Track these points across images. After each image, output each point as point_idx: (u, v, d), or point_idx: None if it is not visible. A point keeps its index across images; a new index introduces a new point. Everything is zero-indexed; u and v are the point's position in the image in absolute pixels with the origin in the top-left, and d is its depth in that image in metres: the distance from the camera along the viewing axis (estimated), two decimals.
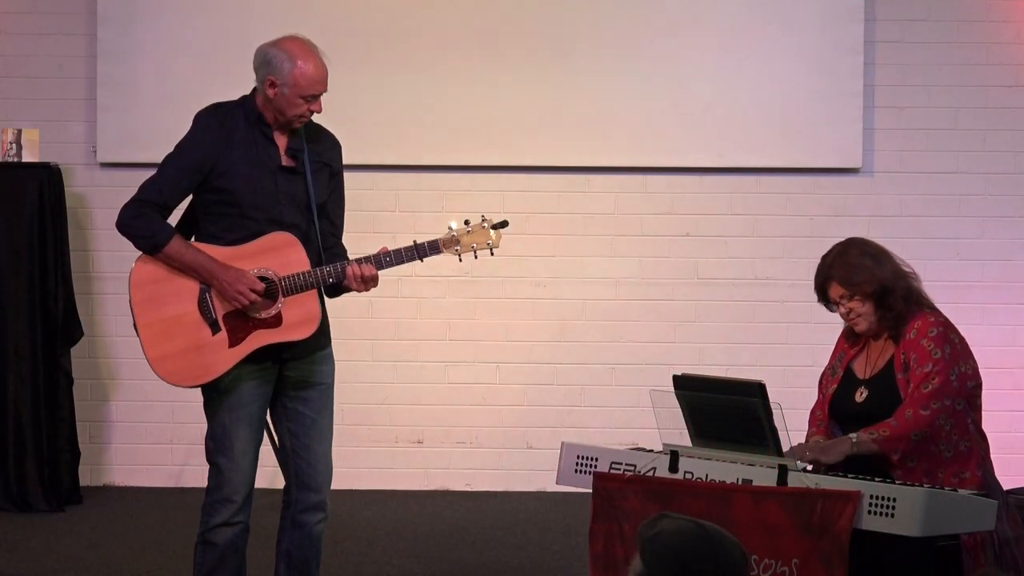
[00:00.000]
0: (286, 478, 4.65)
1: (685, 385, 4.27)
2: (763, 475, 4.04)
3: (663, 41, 7.26)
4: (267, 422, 4.60)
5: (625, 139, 7.29)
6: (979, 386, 4.44)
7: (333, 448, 4.67)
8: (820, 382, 4.68)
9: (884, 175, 7.38)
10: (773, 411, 4.07)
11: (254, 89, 4.52)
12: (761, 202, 7.38)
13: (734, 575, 2.83)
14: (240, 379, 4.45)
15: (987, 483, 4.35)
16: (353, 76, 6.99)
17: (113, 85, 7.26)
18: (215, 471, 4.52)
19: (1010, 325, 7.36)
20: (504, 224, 4.64)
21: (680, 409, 4.27)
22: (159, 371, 4.42)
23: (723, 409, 4.16)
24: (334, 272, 4.47)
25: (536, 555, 6.11)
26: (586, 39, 7.26)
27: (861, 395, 4.50)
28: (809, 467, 4.23)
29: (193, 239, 4.51)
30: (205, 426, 4.57)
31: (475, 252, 4.60)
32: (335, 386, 4.68)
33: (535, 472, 7.27)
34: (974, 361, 4.45)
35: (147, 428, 7.37)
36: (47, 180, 6.99)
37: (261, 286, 4.40)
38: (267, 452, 4.69)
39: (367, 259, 4.50)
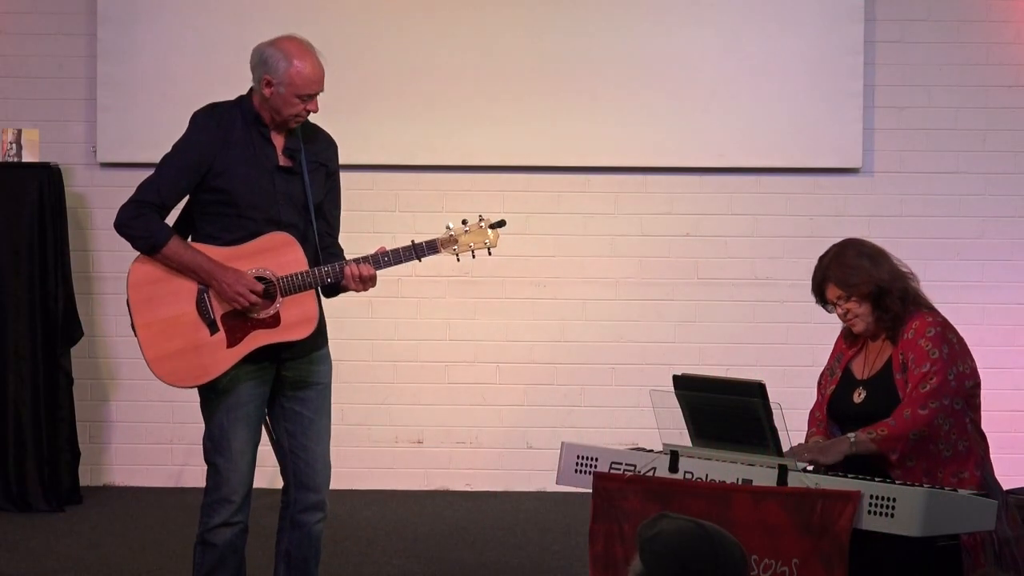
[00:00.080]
0: (285, 478, 4.65)
1: (685, 385, 4.27)
2: (763, 475, 4.04)
3: (663, 41, 7.26)
4: (265, 419, 4.60)
5: (625, 139, 7.29)
6: (978, 386, 4.43)
7: (333, 448, 4.67)
8: (819, 383, 4.68)
9: (884, 175, 7.38)
10: (773, 411, 4.07)
11: (251, 89, 4.52)
12: (761, 202, 7.38)
13: (734, 575, 2.82)
14: (238, 379, 4.45)
15: (986, 483, 4.35)
16: (353, 76, 6.99)
17: (113, 85, 7.26)
18: (213, 471, 4.52)
19: (1010, 325, 7.36)
20: (501, 224, 4.64)
21: (680, 409, 4.27)
22: (157, 371, 4.42)
23: (723, 409, 4.16)
24: (332, 272, 4.47)
25: (536, 555, 6.11)
26: (586, 38, 7.25)
27: (859, 396, 4.50)
28: (809, 467, 4.23)
29: (190, 239, 4.50)
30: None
31: (473, 252, 4.60)
32: (335, 386, 4.68)
33: (535, 472, 7.27)
34: (972, 361, 4.45)
35: (147, 428, 7.37)
36: (47, 180, 6.98)
37: (260, 287, 4.40)
38: (266, 452, 4.69)
39: (365, 259, 4.50)
